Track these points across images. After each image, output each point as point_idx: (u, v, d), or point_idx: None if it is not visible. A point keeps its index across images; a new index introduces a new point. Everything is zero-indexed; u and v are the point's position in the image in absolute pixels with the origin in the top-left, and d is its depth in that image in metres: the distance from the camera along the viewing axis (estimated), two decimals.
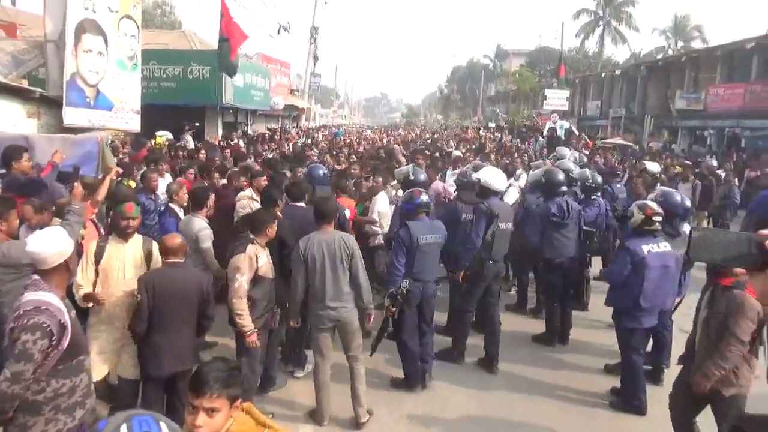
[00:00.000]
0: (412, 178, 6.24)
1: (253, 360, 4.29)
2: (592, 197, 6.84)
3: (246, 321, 4.07)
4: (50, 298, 2.72)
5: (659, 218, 4.78)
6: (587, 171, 7.49)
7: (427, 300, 5.05)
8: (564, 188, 6.25)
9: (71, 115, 6.93)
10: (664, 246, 4.77)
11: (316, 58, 33.15)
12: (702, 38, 41.81)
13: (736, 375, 3.56)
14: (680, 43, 42.13)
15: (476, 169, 6.87)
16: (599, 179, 7.11)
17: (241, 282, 4.02)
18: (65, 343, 2.72)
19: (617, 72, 34.28)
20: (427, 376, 5.17)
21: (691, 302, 5.50)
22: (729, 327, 3.48)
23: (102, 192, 4.76)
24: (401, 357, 5.08)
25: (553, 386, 5.33)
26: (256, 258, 4.14)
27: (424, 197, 5.01)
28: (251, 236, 4.24)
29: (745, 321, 3.44)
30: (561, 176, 6.32)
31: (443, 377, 5.34)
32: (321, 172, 6.75)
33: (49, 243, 2.76)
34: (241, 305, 4.05)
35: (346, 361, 4.54)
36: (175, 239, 3.89)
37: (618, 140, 24.17)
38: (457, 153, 12.32)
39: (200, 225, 5.09)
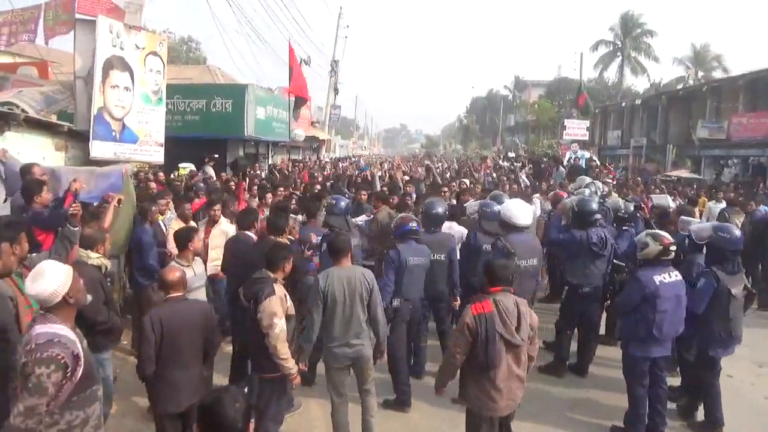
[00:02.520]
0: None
1: (281, 406, 4.23)
2: (624, 228, 6.67)
3: (291, 363, 3.93)
4: (61, 329, 2.71)
5: (674, 248, 4.73)
6: (620, 200, 7.40)
7: (416, 319, 5.38)
8: (598, 217, 6.07)
9: (98, 148, 7.12)
10: (675, 275, 4.71)
11: (336, 91, 33.76)
12: (722, 67, 41.61)
13: None
14: (701, 73, 41.95)
15: (495, 199, 6.84)
16: (631, 208, 6.89)
17: (282, 326, 3.85)
18: (79, 373, 2.71)
19: (638, 102, 34.18)
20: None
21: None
22: None
23: (107, 219, 4.80)
24: (393, 377, 5.18)
25: (555, 414, 5.23)
26: (286, 297, 4.01)
27: (413, 224, 5.40)
28: (270, 274, 4.04)
29: None
30: (594, 205, 6.14)
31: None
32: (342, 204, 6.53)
33: (44, 284, 2.72)
34: (285, 350, 3.88)
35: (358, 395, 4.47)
36: (175, 273, 3.82)
37: (683, 173, 22.43)
38: (465, 181, 12.22)
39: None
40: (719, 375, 5.02)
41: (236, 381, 5.11)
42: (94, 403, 2.88)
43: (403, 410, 5.16)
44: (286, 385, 4.15)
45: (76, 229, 4.14)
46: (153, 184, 8.38)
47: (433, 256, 5.58)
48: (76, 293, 2.86)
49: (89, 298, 3.02)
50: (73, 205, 4.36)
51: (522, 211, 5.61)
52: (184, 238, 4.95)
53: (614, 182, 14.27)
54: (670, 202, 8.07)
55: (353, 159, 33.34)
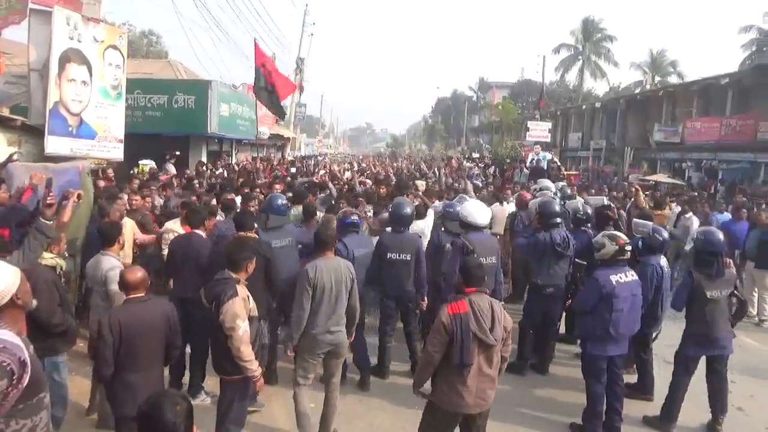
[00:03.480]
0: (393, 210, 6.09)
1: (243, 408, 4.17)
2: (582, 228, 6.83)
3: (255, 365, 3.90)
4: (6, 335, 2.56)
5: (630, 248, 4.89)
6: (578, 202, 7.59)
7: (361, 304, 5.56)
8: (558, 219, 6.23)
9: (53, 144, 6.88)
10: (631, 275, 4.87)
11: (302, 88, 33.49)
12: (677, 73, 43.09)
13: None
14: (657, 78, 43.33)
15: (460, 201, 6.94)
16: (589, 210, 7.08)
17: (245, 328, 3.81)
18: (26, 380, 2.57)
19: (597, 105, 35.08)
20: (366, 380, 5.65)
21: (674, 333, 5.58)
22: None
23: (65, 215, 4.66)
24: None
25: (518, 412, 5.33)
26: (248, 298, 3.96)
27: (354, 218, 5.70)
28: (232, 275, 3.96)
29: None
30: (557, 207, 6.33)
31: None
32: (280, 202, 6.29)
33: None
34: (249, 351, 3.85)
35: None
36: (136, 273, 3.71)
37: (662, 177, 22.13)
38: (420, 183, 12.25)
39: (110, 264, 4.52)
40: (691, 375, 5.14)
41: (177, 379, 5.14)
42: (41, 411, 2.76)
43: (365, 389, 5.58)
44: (249, 388, 4.09)
45: (50, 222, 3.95)
46: (102, 182, 8.14)
47: (400, 255, 5.66)
48: (24, 294, 2.73)
49: (34, 303, 2.90)
50: (50, 195, 4.18)
51: (480, 212, 5.86)
52: (109, 232, 4.69)
53: (575, 185, 14.54)
54: (605, 202, 8.33)
55: (319, 156, 33.17)
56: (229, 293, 3.78)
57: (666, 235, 5.80)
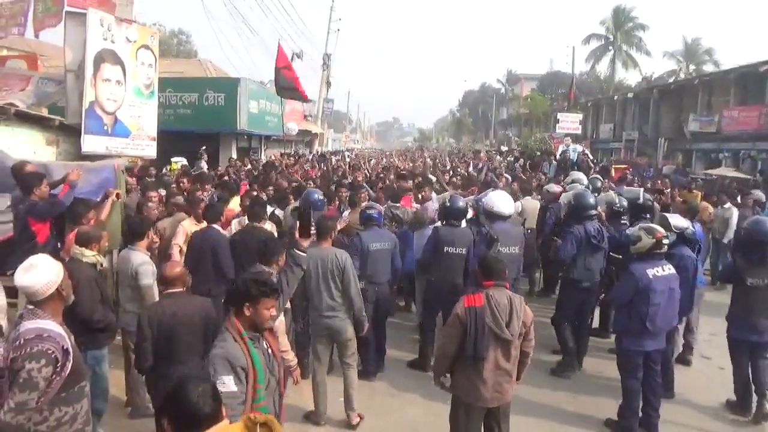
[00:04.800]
0: (448, 204, 6.05)
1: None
2: (622, 221, 6.68)
3: (291, 356, 4.02)
4: (50, 325, 2.70)
5: (668, 241, 4.80)
6: (612, 194, 7.45)
7: (383, 299, 5.72)
8: (594, 212, 6.12)
9: (89, 143, 7.04)
10: (668, 269, 4.77)
11: (329, 84, 33.58)
12: (713, 61, 41.80)
13: None
14: (692, 67, 42.13)
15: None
16: (625, 203, 6.90)
17: (281, 319, 3.95)
18: (68, 368, 2.70)
19: (629, 95, 34.30)
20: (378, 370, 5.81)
21: (711, 329, 5.47)
22: None
23: (104, 213, 4.76)
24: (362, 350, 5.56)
25: (551, 408, 5.28)
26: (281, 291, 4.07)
27: (372, 212, 5.81)
28: (266, 269, 4.05)
29: None
30: (591, 199, 6.22)
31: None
32: (316, 197, 6.56)
33: (37, 275, 2.72)
34: (285, 342, 3.97)
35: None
36: (175, 268, 3.79)
37: (727, 171, 20.25)
38: (432, 178, 12.13)
39: (140, 259, 4.59)
40: (744, 355, 5.20)
41: None
42: (83, 399, 2.87)
43: (368, 379, 5.62)
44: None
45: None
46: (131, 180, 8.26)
47: (456, 249, 5.75)
48: (67, 287, 2.86)
49: (72, 297, 2.99)
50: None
51: (504, 202, 5.88)
52: (139, 227, 4.80)
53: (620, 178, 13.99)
54: (640, 194, 8.13)
55: (343, 151, 33.14)
56: None
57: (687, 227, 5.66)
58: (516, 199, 8.08)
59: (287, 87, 13.04)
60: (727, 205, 9.75)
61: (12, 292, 3.85)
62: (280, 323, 3.92)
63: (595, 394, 5.58)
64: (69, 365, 2.71)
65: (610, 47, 46.41)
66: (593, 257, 5.95)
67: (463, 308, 3.66)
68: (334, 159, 20.90)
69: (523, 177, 12.63)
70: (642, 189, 10.34)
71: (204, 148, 14.55)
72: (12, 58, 10.27)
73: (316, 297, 4.71)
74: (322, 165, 17.06)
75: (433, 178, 10.98)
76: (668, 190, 11.16)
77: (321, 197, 6.28)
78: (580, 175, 10.10)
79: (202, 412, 1.94)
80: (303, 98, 15.23)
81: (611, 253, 6.12)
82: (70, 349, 2.73)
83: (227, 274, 5.24)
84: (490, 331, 3.59)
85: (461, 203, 6.04)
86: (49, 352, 2.61)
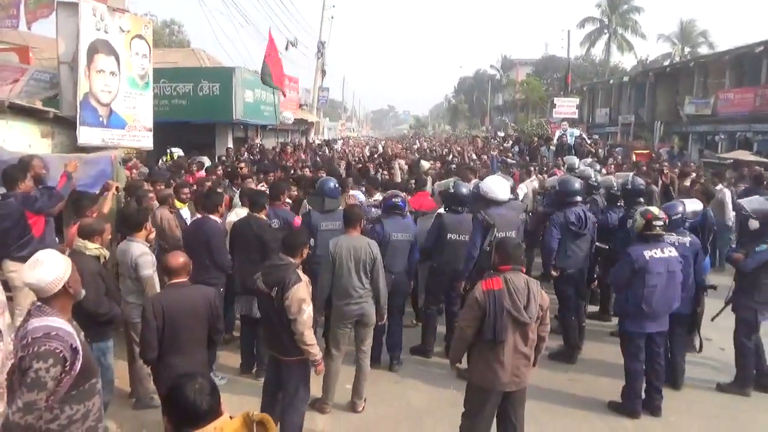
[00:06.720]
0: (452, 191, 6.07)
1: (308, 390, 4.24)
2: (618, 204, 6.70)
3: (316, 350, 3.98)
4: (58, 322, 2.65)
5: (660, 223, 4.80)
6: (611, 178, 7.43)
7: (398, 289, 5.59)
8: (579, 198, 6.13)
9: (85, 135, 7.00)
10: (669, 251, 4.78)
11: (323, 73, 33.33)
12: (708, 43, 41.64)
13: None
14: (687, 49, 41.95)
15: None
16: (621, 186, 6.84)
17: (309, 312, 3.87)
18: (78, 367, 2.65)
19: (625, 79, 34.18)
20: (395, 364, 5.71)
21: (712, 311, 5.47)
22: None
23: (106, 206, 4.72)
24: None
25: (553, 391, 5.31)
26: (308, 283, 4.02)
27: (397, 200, 5.69)
28: (291, 260, 4.01)
29: None
30: (577, 185, 6.21)
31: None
32: (332, 185, 6.54)
33: (44, 272, 2.66)
34: (311, 335, 3.92)
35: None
36: (179, 258, 3.78)
37: (745, 155, 17.85)
38: (425, 164, 12.18)
39: (140, 250, 4.60)
40: (755, 331, 5.28)
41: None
42: (94, 396, 2.83)
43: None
44: (308, 369, 4.15)
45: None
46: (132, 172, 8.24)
47: (459, 236, 5.73)
48: (74, 283, 2.81)
49: (83, 293, 2.97)
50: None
51: (500, 187, 5.80)
52: (136, 218, 4.78)
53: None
54: (629, 178, 8.17)
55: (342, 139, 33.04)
56: (294, 278, 3.87)
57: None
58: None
59: (269, 74, 13.35)
60: (719, 187, 9.75)
61: (5, 286, 3.83)
62: (308, 317, 3.86)
63: (598, 376, 5.62)
64: (78, 363, 2.65)
65: (606, 30, 46.20)
66: (575, 244, 5.95)
67: (481, 292, 3.67)
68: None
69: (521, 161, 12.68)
70: (632, 173, 10.37)
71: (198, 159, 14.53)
72: (3, 51, 10.16)
73: (347, 284, 4.65)
74: (327, 152, 17.03)
75: (425, 164, 11.04)
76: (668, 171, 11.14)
77: (336, 185, 6.26)
78: (575, 160, 10.13)
79: (199, 409, 1.96)
80: (281, 91, 15.59)
81: (598, 243, 6.15)
82: (80, 347, 2.68)
83: (222, 264, 5.28)
84: (509, 314, 3.61)
85: (464, 189, 6.02)
86: (57, 351, 2.56)
